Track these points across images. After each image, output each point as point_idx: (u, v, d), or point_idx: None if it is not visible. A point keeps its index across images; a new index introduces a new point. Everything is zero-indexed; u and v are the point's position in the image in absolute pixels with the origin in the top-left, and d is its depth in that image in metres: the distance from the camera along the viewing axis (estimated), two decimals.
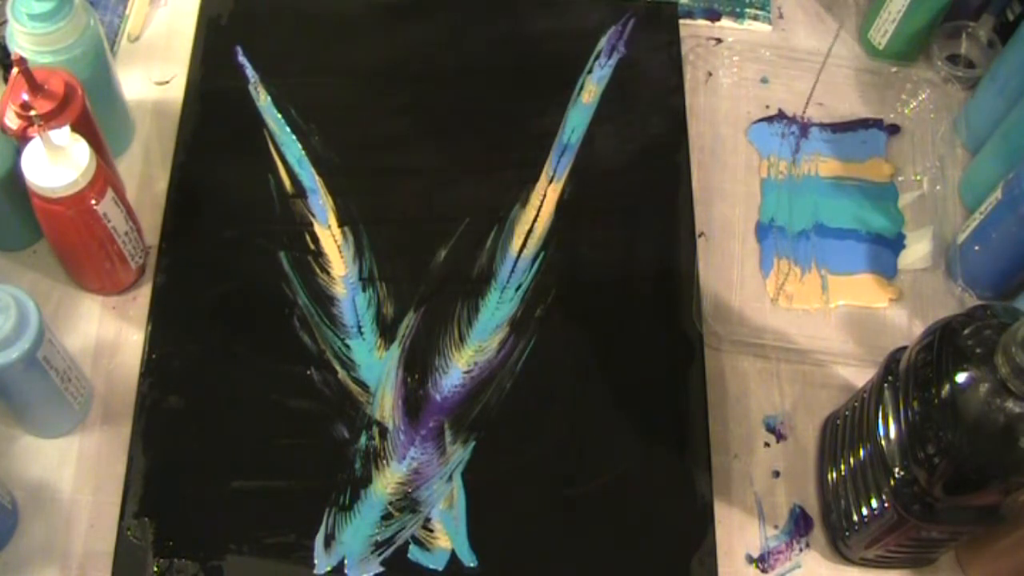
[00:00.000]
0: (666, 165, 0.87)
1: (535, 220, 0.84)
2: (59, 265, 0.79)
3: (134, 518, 0.71)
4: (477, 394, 0.77)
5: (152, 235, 0.81)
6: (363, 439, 0.74)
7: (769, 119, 0.91)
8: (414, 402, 0.76)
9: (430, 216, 0.84)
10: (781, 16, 0.98)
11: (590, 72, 0.91)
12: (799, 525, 0.75)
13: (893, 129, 0.92)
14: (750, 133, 0.91)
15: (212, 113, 0.87)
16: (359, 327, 0.78)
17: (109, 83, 0.81)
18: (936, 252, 0.85)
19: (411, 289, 0.80)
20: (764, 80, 0.94)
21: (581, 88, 0.90)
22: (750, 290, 0.83)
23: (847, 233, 0.87)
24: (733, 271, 0.84)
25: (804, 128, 0.91)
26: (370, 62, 0.91)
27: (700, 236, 0.84)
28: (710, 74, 0.93)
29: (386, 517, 0.72)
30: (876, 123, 0.92)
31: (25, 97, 0.71)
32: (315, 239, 0.82)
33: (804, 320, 0.83)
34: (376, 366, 0.77)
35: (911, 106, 0.92)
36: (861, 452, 0.70)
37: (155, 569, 0.69)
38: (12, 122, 0.72)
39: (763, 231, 0.86)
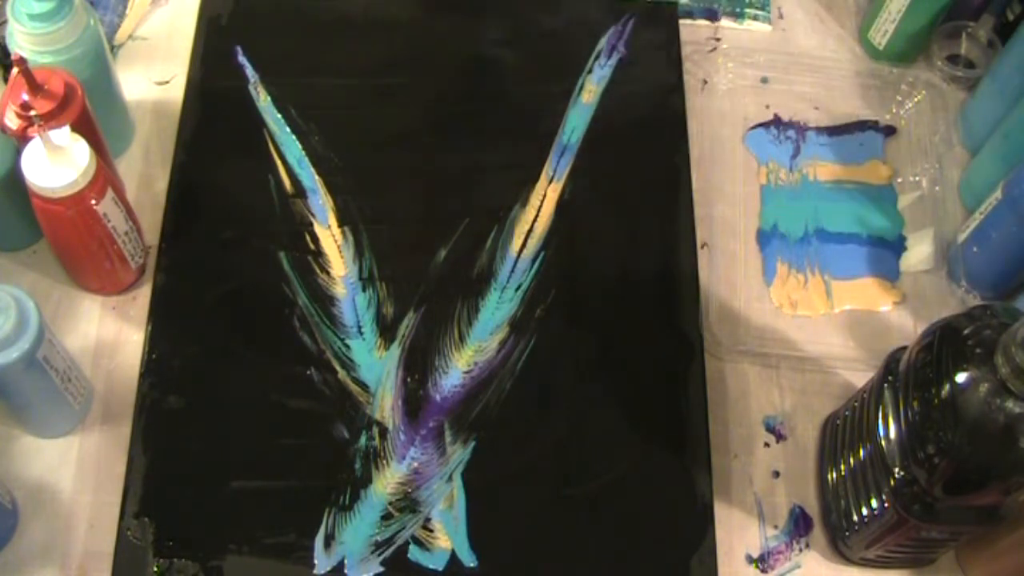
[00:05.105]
0: (666, 166, 0.87)
1: (535, 220, 0.84)
2: (59, 265, 0.79)
3: (134, 518, 0.70)
4: (477, 394, 0.76)
5: (152, 235, 0.81)
6: (363, 439, 0.74)
7: (766, 125, 0.91)
8: (414, 402, 0.76)
9: (430, 216, 0.84)
10: (781, 16, 0.98)
11: (590, 72, 0.91)
12: (799, 525, 0.75)
13: (890, 130, 0.92)
14: (748, 139, 0.90)
15: (212, 113, 0.87)
16: (359, 327, 0.78)
17: (109, 83, 0.81)
18: (937, 253, 0.85)
19: (411, 289, 0.80)
20: (764, 80, 0.94)
21: (581, 88, 0.90)
22: (753, 298, 0.83)
23: (848, 237, 0.86)
24: (736, 279, 0.84)
25: (801, 132, 0.91)
26: (370, 62, 0.91)
27: (703, 247, 0.84)
28: (705, 82, 0.92)
29: (386, 517, 0.72)
30: (873, 125, 0.92)
31: (25, 97, 0.71)
32: (315, 239, 0.82)
33: (808, 326, 0.82)
34: (376, 366, 0.77)
35: (909, 107, 0.92)
36: (861, 452, 0.70)
37: (155, 569, 0.69)
38: (12, 122, 0.72)
39: (764, 238, 0.86)
